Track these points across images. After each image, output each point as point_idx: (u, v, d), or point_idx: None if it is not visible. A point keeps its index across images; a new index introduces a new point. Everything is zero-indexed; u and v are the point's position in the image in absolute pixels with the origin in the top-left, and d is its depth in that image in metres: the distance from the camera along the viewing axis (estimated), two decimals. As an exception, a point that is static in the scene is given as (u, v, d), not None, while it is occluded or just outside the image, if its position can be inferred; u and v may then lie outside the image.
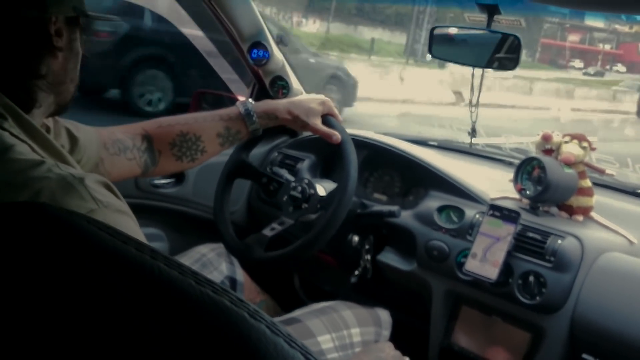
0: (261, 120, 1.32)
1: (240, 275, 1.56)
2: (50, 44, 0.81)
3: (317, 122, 1.35)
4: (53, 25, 0.81)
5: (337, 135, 1.33)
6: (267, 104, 1.35)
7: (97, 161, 1.11)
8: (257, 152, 1.85)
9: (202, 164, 1.35)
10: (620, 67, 26.37)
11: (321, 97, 1.40)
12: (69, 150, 1.02)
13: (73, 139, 1.03)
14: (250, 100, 1.34)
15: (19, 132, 0.76)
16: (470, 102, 1.82)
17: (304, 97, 1.40)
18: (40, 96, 0.83)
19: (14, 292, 0.48)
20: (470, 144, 1.98)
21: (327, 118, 1.37)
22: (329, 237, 1.32)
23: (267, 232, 1.38)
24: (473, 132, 1.93)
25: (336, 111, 1.39)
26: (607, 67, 25.79)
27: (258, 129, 1.33)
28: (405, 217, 1.60)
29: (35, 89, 0.82)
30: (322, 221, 1.31)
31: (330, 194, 1.41)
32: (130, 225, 0.72)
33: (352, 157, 1.33)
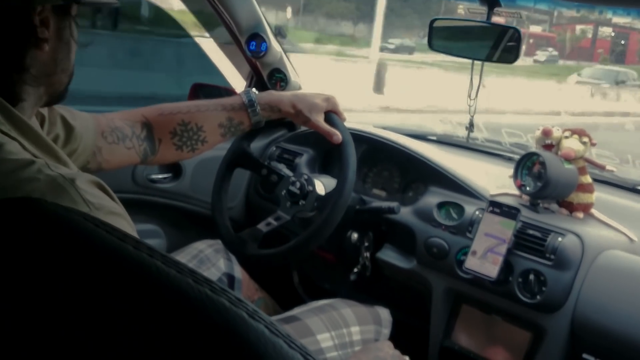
0: (264, 112, 1.29)
1: (238, 272, 1.55)
2: (35, 36, 0.77)
3: (320, 119, 1.32)
4: (38, 16, 0.76)
5: (338, 135, 1.31)
6: (272, 95, 1.32)
7: (94, 149, 1.09)
8: (255, 146, 1.84)
9: (200, 157, 1.33)
10: (553, 52, 24.48)
11: (326, 93, 1.38)
12: (64, 139, 1.01)
13: (68, 128, 1.02)
14: (254, 90, 1.31)
15: (9, 128, 0.74)
16: (469, 95, 1.81)
17: (308, 92, 1.37)
18: (24, 89, 0.79)
19: (10, 288, 0.48)
20: (467, 137, 1.98)
21: (330, 116, 1.34)
22: (321, 240, 1.30)
23: (263, 227, 1.37)
24: (471, 127, 1.92)
25: (340, 109, 1.36)
26: (537, 51, 23.96)
27: (260, 120, 1.30)
28: (405, 213, 1.59)
29: (19, 82, 0.78)
30: (316, 224, 1.30)
31: (328, 195, 1.40)
32: (124, 227, 0.70)
33: (352, 160, 1.30)
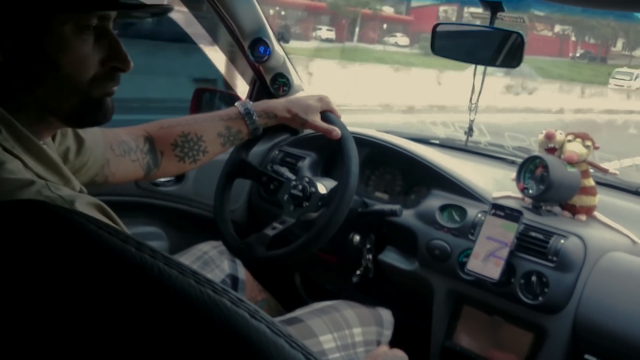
0: (261, 120, 1.32)
1: (242, 273, 1.55)
2: None
3: (316, 119, 1.34)
4: None
5: (336, 131, 1.33)
6: (266, 103, 1.35)
7: (103, 162, 1.11)
8: (258, 150, 1.84)
9: None
10: (401, 38, 20.32)
11: (319, 93, 1.40)
12: (76, 151, 1.02)
13: (79, 141, 1.03)
14: (249, 101, 1.34)
15: (12, 144, 0.74)
16: (470, 100, 1.81)
17: (301, 95, 1.39)
18: (15, 102, 0.77)
19: (14, 289, 0.48)
20: (466, 142, 1.99)
21: (326, 114, 1.36)
22: (331, 235, 1.30)
23: (269, 231, 1.37)
24: (470, 131, 1.93)
25: (335, 107, 1.38)
26: (386, 37, 20.24)
27: (258, 128, 1.32)
28: (407, 216, 1.59)
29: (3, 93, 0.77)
30: (324, 219, 1.30)
31: (332, 192, 1.40)
32: None
33: (353, 154, 1.32)
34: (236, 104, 1.33)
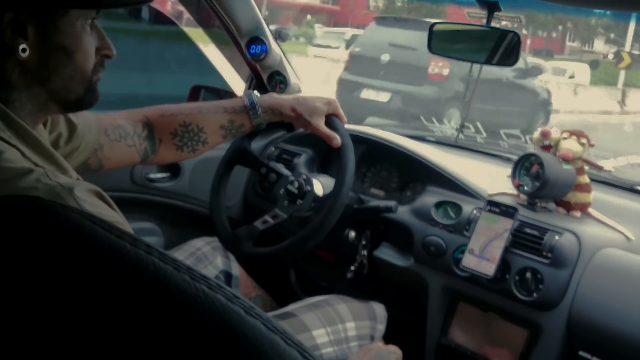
0: (265, 115, 1.30)
1: (236, 269, 1.55)
2: (3, 43, 0.75)
3: (320, 123, 1.32)
4: (10, 23, 0.74)
5: (337, 139, 1.31)
6: (273, 99, 1.32)
7: (96, 147, 1.10)
8: (254, 146, 1.84)
9: (199, 157, 1.34)
10: (319, 30, 18.83)
11: (327, 97, 1.38)
12: (67, 137, 1.01)
13: (71, 126, 1.02)
14: (255, 92, 1.31)
15: (9, 135, 0.74)
16: (465, 97, 1.82)
17: (309, 96, 1.38)
18: (13, 95, 0.78)
19: (7, 285, 0.48)
20: (457, 138, 1.99)
21: (331, 119, 1.34)
22: (317, 241, 1.30)
23: (259, 224, 1.37)
24: (462, 128, 1.94)
25: (341, 112, 1.36)
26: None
27: (261, 123, 1.30)
28: (402, 212, 1.59)
29: (3, 87, 0.77)
30: (311, 225, 1.30)
31: (324, 198, 1.40)
32: None
33: (350, 164, 1.30)
34: (242, 95, 1.31)
